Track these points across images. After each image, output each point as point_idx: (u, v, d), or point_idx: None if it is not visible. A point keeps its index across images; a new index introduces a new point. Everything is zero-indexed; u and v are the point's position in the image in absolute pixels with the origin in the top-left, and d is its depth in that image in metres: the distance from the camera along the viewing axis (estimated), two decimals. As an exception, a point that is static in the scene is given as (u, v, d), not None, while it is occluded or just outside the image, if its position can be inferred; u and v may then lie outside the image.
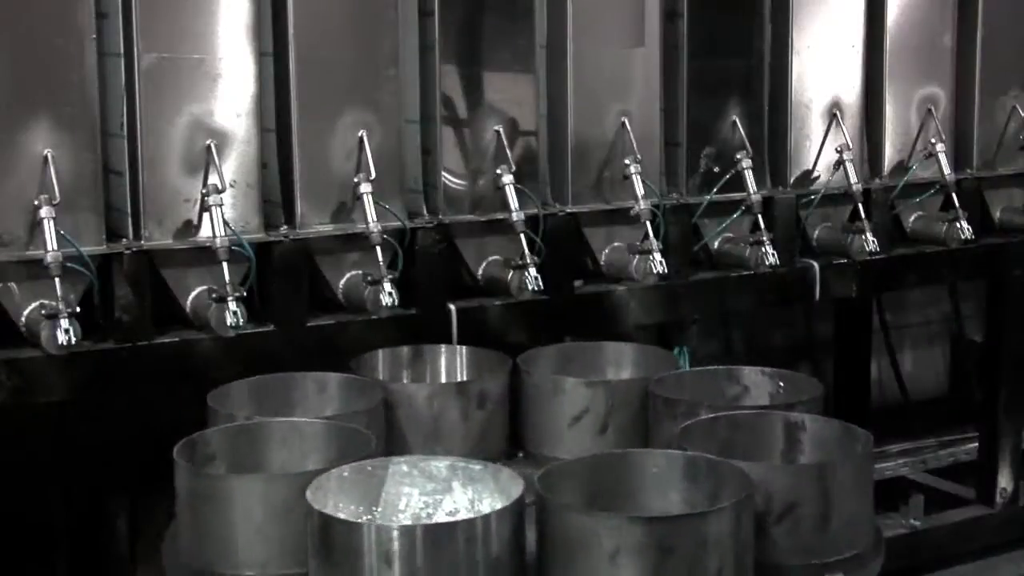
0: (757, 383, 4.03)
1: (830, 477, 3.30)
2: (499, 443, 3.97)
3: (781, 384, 3.99)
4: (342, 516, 3.08)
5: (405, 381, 4.21)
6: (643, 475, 3.34)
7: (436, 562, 2.87)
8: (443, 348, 4.33)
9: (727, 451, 3.43)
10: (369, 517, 3.21)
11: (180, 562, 3.34)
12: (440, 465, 3.31)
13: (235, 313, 4.02)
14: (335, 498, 3.17)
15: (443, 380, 4.26)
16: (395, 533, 2.89)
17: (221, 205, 4.09)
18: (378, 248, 4.26)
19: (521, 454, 4.03)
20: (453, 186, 4.60)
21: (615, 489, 3.32)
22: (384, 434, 3.66)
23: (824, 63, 5.20)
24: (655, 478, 3.33)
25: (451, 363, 4.30)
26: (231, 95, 4.16)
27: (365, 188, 4.30)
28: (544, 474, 3.16)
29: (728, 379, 4.06)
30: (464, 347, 4.32)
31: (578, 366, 4.26)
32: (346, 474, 3.21)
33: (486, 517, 2.99)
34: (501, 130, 4.62)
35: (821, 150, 5.20)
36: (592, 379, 4.15)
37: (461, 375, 4.26)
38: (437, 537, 2.89)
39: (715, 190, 4.98)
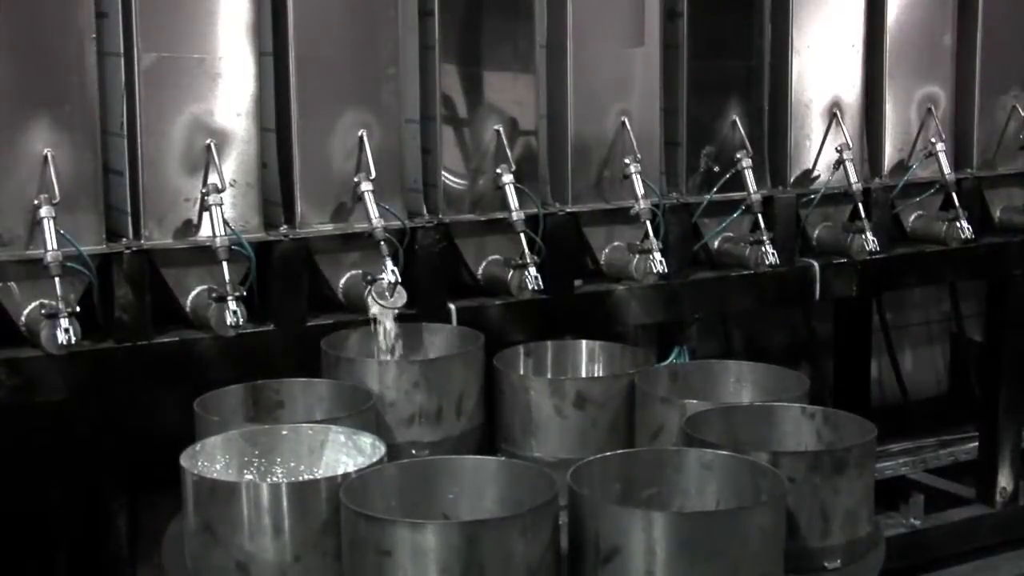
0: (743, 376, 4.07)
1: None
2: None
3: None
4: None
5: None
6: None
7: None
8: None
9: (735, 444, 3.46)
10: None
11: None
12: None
13: (235, 313, 4.02)
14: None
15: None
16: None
17: (221, 204, 4.09)
18: (383, 243, 4.26)
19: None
20: (453, 186, 4.60)
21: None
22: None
23: (824, 63, 5.19)
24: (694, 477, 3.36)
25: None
26: (231, 95, 4.16)
27: (366, 187, 4.29)
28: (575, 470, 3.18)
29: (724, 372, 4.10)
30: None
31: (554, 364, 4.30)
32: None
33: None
34: (501, 130, 4.62)
35: (821, 150, 5.20)
36: (565, 377, 4.18)
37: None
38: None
39: (715, 190, 4.97)
